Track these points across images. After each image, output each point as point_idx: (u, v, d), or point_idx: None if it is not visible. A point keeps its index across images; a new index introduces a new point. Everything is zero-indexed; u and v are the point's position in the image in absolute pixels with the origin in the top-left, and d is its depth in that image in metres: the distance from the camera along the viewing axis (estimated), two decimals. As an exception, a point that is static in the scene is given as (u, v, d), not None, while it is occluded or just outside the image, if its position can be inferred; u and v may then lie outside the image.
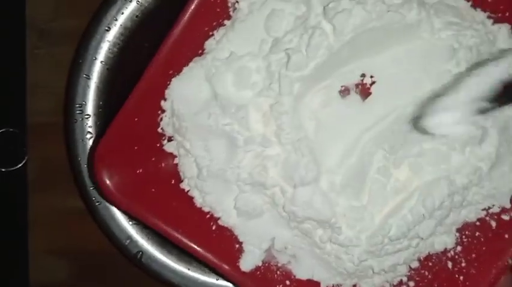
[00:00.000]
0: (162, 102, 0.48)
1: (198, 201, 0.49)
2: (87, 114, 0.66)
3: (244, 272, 0.49)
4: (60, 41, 0.86)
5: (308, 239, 0.48)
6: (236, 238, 0.50)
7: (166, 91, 0.48)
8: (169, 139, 0.50)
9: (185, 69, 0.47)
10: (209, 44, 0.48)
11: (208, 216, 0.50)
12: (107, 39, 0.65)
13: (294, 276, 0.50)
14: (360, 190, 0.46)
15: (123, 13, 0.65)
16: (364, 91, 0.49)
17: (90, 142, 0.66)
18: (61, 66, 0.82)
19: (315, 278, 0.50)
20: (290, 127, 0.45)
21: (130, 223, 0.68)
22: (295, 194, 0.45)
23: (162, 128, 0.49)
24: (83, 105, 0.66)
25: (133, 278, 0.80)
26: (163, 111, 0.49)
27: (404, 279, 0.51)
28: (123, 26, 0.66)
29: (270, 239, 0.49)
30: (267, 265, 0.50)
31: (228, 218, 0.49)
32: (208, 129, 0.46)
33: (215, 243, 0.49)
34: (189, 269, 0.67)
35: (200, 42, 0.48)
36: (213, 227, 0.50)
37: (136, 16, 0.66)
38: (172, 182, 0.50)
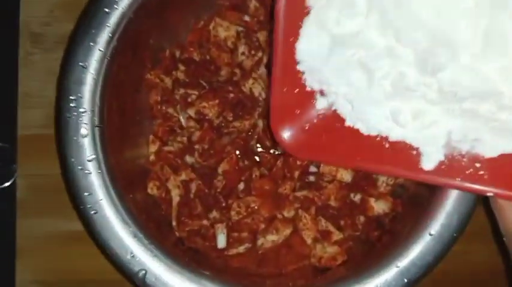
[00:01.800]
0: (298, 67, 0.53)
1: (364, 130, 0.53)
2: (83, 109, 0.57)
3: (428, 171, 0.52)
4: (55, 47, 0.79)
5: (480, 118, 0.48)
6: (411, 146, 0.52)
7: (296, 56, 0.52)
8: (321, 92, 0.54)
9: (301, 32, 0.52)
10: (311, 1, 0.52)
11: (378, 138, 0.53)
12: (106, 23, 0.57)
13: (483, 157, 0.51)
14: (505, 47, 0.45)
15: (124, -5, 0.58)
16: None
17: (85, 141, 0.57)
18: (55, 74, 0.76)
19: (507, 151, 0.50)
20: (406, 29, 0.47)
21: (132, 235, 0.58)
22: (439, 82, 0.47)
23: (310, 86, 0.54)
24: (78, 99, 0.57)
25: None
26: (302, 72, 0.53)
27: None
28: (124, 10, 0.58)
29: (446, 134, 0.51)
30: (450, 157, 0.52)
31: (396, 133, 0.52)
32: (342, 67, 0.50)
33: (394, 157, 0.53)
34: (202, 290, 0.57)
35: (303, 5, 0.52)
36: (386, 145, 0.53)
37: (139, -1, 0.59)
38: (337, 125, 0.55)
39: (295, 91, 0.54)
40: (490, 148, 0.50)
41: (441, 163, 0.52)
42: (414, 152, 0.53)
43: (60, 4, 0.80)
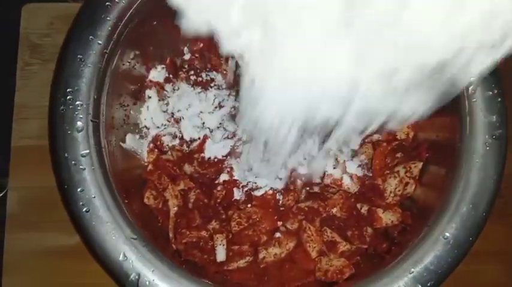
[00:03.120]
0: None
1: None
2: (79, 102, 0.55)
3: None
4: (54, 58, 0.78)
5: None
6: None
7: None
8: None
9: None
10: None
11: None
12: (107, 16, 0.56)
13: None
14: None
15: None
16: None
17: (80, 135, 0.54)
18: (54, 85, 0.75)
19: None
20: None
21: (125, 236, 0.54)
22: None
23: None
24: (74, 92, 0.55)
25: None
26: None
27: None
28: (125, 5, 0.58)
29: None
30: None
31: None
32: None
33: None
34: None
35: None
36: None
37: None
38: None
39: None
40: None
41: None
42: None
43: (61, 16, 0.80)
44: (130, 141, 0.69)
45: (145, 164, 0.70)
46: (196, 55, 0.73)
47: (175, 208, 0.68)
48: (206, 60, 0.74)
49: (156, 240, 0.63)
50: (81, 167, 0.55)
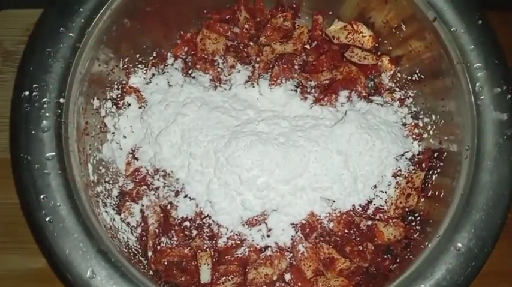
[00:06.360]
0: None
1: None
2: (46, 100, 0.49)
3: None
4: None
5: None
6: None
7: None
8: None
9: None
10: None
11: None
12: (80, 7, 0.51)
13: None
14: None
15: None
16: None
17: (46, 136, 0.49)
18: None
19: None
20: None
21: (95, 250, 0.47)
22: None
23: None
24: (40, 88, 0.49)
25: None
26: None
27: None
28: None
29: None
30: None
31: None
32: None
33: None
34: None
35: None
36: None
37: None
38: None
39: None
40: None
41: None
42: None
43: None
44: (107, 151, 0.63)
45: (123, 176, 0.64)
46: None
47: (156, 224, 0.61)
48: (192, 65, 0.69)
49: (132, 259, 0.57)
50: (45, 171, 0.48)
